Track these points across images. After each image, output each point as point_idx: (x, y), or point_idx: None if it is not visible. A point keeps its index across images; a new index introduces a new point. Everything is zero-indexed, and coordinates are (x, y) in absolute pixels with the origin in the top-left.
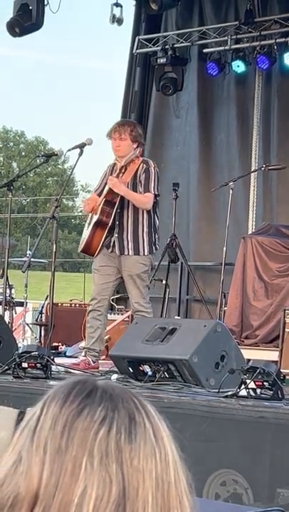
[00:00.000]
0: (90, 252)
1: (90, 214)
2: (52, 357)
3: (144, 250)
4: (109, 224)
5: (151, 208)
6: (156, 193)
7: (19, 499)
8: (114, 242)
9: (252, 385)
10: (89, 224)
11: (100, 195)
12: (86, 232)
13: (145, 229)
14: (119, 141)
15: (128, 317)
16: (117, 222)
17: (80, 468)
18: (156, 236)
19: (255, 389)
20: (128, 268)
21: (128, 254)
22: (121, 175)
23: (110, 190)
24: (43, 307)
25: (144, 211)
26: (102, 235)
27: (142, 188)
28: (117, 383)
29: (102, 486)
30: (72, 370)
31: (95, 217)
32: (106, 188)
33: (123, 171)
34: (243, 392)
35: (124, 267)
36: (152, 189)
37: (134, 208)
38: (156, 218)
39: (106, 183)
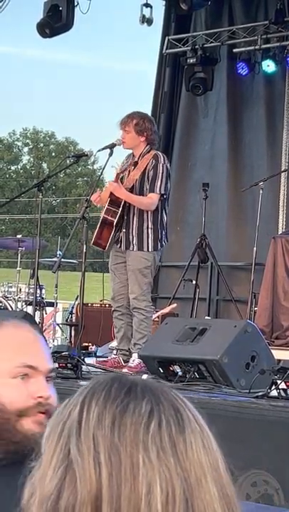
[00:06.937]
0: (102, 246)
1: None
2: (82, 357)
3: (147, 246)
4: (114, 222)
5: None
6: (163, 192)
7: (80, 504)
8: (121, 237)
9: (283, 385)
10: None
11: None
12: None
13: (150, 225)
14: (124, 133)
15: (158, 317)
16: (125, 217)
17: (138, 465)
18: (164, 232)
19: (285, 389)
20: (131, 262)
21: (132, 249)
22: (129, 172)
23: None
24: (73, 307)
25: None
26: (110, 232)
27: (148, 185)
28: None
29: (164, 481)
30: (101, 370)
31: (101, 216)
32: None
33: (133, 166)
34: (274, 393)
35: (128, 261)
36: (157, 189)
37: None
38: (164, 215)
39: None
